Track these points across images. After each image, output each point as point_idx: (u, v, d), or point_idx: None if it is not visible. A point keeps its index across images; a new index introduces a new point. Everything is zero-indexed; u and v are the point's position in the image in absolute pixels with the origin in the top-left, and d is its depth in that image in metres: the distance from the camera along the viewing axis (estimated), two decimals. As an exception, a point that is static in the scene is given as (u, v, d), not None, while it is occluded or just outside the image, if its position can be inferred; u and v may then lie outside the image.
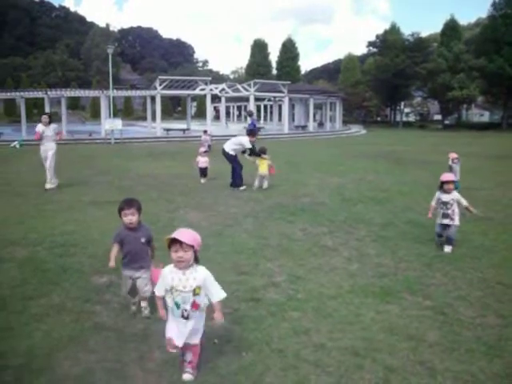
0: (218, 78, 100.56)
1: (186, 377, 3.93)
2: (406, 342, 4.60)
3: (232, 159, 14.04)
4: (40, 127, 13.83)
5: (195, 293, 3.81)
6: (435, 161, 22.41)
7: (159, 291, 3.98)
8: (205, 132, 27.14)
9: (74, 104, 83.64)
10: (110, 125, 35.54)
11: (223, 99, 48.70)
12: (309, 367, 4.14)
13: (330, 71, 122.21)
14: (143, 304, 5.20)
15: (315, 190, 13.53)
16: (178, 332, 3.90)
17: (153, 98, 45.59)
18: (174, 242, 3.72)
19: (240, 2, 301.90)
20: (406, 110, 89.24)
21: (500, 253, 7.53)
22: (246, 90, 46.64)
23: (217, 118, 69.25)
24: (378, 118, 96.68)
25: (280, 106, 56.31)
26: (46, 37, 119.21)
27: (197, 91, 46.06)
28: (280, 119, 55.91)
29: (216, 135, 31.06)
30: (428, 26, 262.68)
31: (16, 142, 31.92)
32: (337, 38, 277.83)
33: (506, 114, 66.92)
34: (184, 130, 43.60)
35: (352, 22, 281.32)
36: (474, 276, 6.42)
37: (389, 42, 75.00)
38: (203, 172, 15.06)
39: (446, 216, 7.70)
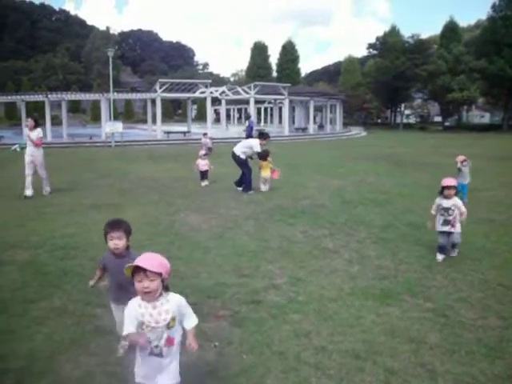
0: (218, 80, 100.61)
1: None
2: (407, 344, 4.60)
3: (241, 162, 13.87)
4: (26, 131, 13.42)
5: (169, 326, 3.23)
6: (436, 163, 22.43)
7: (128, 329, 3.20)
8: (204, 135, 27.17)
9: (75, 107, 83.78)
10: (111, 128, 35.56)
11: (223, 102, 48.68)
12: (309, 370, 4.14)
13: (331, 73, 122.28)
14: None
15: (315, 193, 13.54)
16: (151, 373, 3.29)
17: (153, 101, 45.61)
18: (138, 269, 3.08)
19: (240, 5, 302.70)
20: (407, 111, 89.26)
21: (502, 255, 7.52)
22: (246, 93, 46.67)
23: (217, 120, 69.24)
24: (379, 120, 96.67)
25: (280, 109, 56.31)
26: (47, 40, 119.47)
27: (197, 94, 46.06)
28: (280, 121, 55.90)
29: (216, 138, 31.08)
30: (428, 27, 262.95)
31: (17, 146, 31.91)
32: (337, 40, 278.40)
33: (506, 115, 66.94)
34: (184, 133, 43.63)
35: (352, 24, 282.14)
36: (474, 278, 6.42)
37: (389, 44, 75.11)
38: (203, 175, 14.98)
39: (446, 223, 7.20)
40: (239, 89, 48.50)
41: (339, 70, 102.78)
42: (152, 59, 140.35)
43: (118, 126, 35.91)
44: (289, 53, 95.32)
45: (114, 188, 14.38)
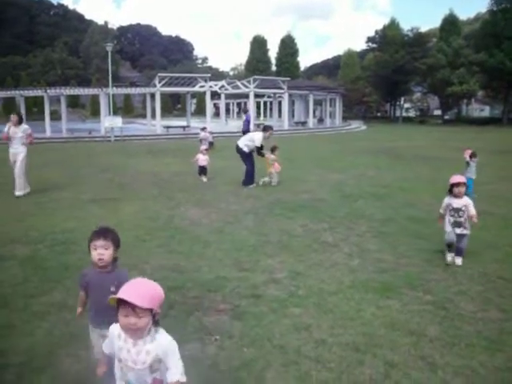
0: (217, 74, 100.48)
1: None
2: (407, 337, 4.61)
3: (245, 156, 13.80)
4: (7, 127, 12.45)
5: (153, 369, 2.61)
6: (436, 156, 22.46)
7: (107, 349, 2.86)
8: (203, 129, 27.13)
9: (74, 102, 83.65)
10: (110, 122, 35.52)
11: (223, 96, 48.60)
12: (310, 363, 4.14)
13: (330, 67, 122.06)
14: None
15: (315, 186, 13.53)
16: None
17: (152, 96, 45.55)
18: (124, 302, 2.42)
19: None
20: (406, 105, 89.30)
21: (502, 248, 7.52)
22: (246, 87, 46.60)
23: (216, 114, 69.17)
24: (378, 114, 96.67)
25: (280, 103, 56.25)
26: (45, 35, 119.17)
27: (196, 88, 45.95)
28: (280, 115, 55.87)
29: (215, 132, 31.02)
30: (427, 21, 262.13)
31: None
32: (336, 34, 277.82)
33: (506, 108, 66.87)
34: (184, 127, 43.58)
35: (351, 18, 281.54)
36: (474, 271, 6.42)
37: (388, 38, 75.00)
38: (202, 170, 14.89)
39: (458, 225, 6.74)
40: (238, 83, 48.42)
41: (338, 63, 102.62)
42: (151, 53, 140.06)
43: (118, 121, 35.86)
44: (288, 46, 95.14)
45: (114, 182, 14.38)
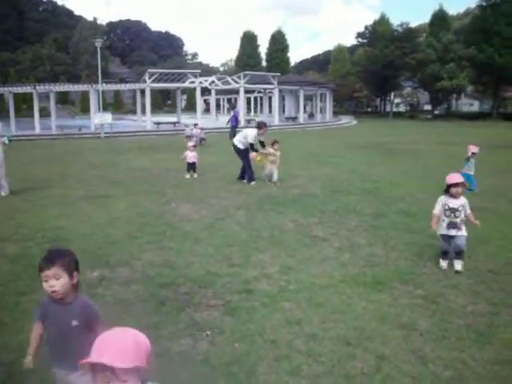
0: (207, 70, 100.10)
1: None
2: (398, 330, 4.64)
3: (239, 152, 13.68)
4: None
5: None
6: (426, 151, 22.58)
7: None
8: (195, 125, 27.19)
9: (63, 98, 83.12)
10: (100, 119, 35.41)
11: (213, 92, 48.56)
12: (301, 357, 4.16)
13: (320, 62, 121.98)
14: None
15: (306, 181, 13.55)
16: None
17: (142, 92, 45.40)
18: (99, 365, 1.76)
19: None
20: (396, 100, 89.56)
21: (493, 242, 7.56)
22: (236, 83, 46.60)
23: (207, 110, 69.07)
24: (369, 109, 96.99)
25: (270, 98, 56.21)
26: (34, 31, 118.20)
27: (186, 84, 45.86)
28: (270, 111, 55.83)
29: (206, 128, 30.97)
30: (417, 16, 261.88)
31: (4, 138, 31.66)
32: (326, 29, 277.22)
33: (495, 103, 67.37)
34: (174, 124, 43.48)
35: (341, 13, 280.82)
36: (465, 265, 6.45)
37: (378, 33, 75.31)
38: (191, 167, 14.67)
39: (453, 226, 6.27)
40: (229, 78, 48.42)
41: (329, 59, 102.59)
42: (141, 49, 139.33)
43: (107, 117, 35.77)
44: (278, 42, 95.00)
45: (104, 179, 14.33)
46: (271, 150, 13.65)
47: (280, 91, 51.84)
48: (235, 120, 27.03)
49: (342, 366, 4.03)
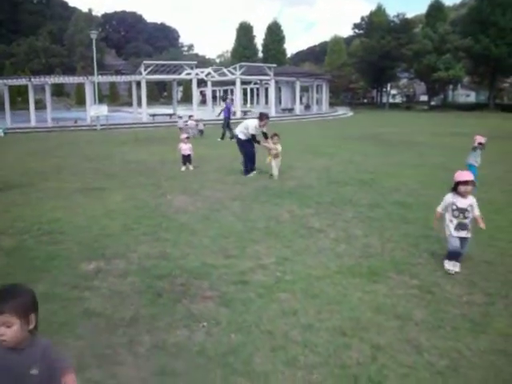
0: (203, 62, 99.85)
1: None
2: (393, 320, 4.65)
3: (240, 143, 13.53)
4: None
5: None
6: (422, 142, 22.59)
7: None
8: (190, 117, 27.17)
9: (59, 91, 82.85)
10: (96, 111, 35.31)
11: (209, 83, 48.44)
12: (297, 347, 4.17)
13: (316, 53, 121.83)
14: None
15: (302, 172, 13.55)
16: None
17: (138, 84, 45.26)
18: None
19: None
20: (393, 91, 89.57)
21: (487, 232, 7.51)
22: (232, 74, 46.45)
23: (203, 102, 68.92)
24: (365, 100, 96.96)
25: (266, 89, 56.16)
26: (29, 23, 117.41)
27: (182, 76, 45.74)
28: (266, 102, 55.82)
29: (202, 120, 30.89)
30: (413, 7, 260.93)
31: (0, 130, 31.59)
32: (322, 20, 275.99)
33: (492, 94, 67.40)
34: (170, 115, 43.40)
35: (337, 3, 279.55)
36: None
37: (374, 24, 75.17)
38: (187, 159, 14.49)
39: (463, 227, 5.90)
40: (225, 70, 48.28)
41: (325, 50, 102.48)
42: (136, 41, 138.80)
43: (103, 109, 35.66)
44: (274, 33, 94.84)
45: (100, 171, 14.29)
46: (271, 145, 13.17)
47: (276, 82, 51.74)
48: (228, 111, 26.88)
49: (338, 356, 4.04)
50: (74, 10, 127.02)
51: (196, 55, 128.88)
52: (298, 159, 16.34)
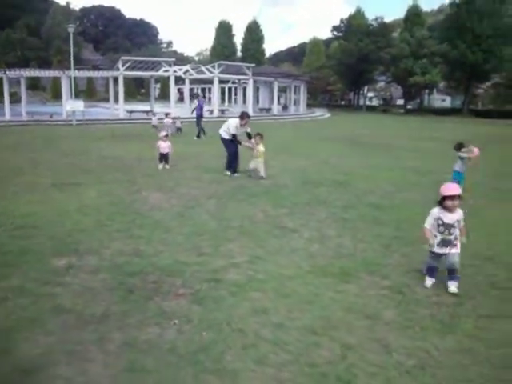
0: (182, 59, 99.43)
1: None
2: (364, 320, 4.71)
3: (223, 141, 13.42)
4: None
5: None
6: (397, 145, 22.83)
7: None
8: (167, 115, 27.02)
9: (34, 84, 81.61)
10: (72, 106, 34.90)
11: (187, 81, 48.31)
12: (268, 346, 4.20)
13: (295, 55, 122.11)
14: None
15: (278, 173, 13.59)
16: None
17: (115, 79, 44.86)
18: None
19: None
20: (370, 94, 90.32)
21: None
22: (210, 72, 46.34)
23: (181, 99, 68.67)
24: (342, 102, 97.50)
25: (244, 89, 56.10)
26: (6, 16, 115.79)
27: (160, 73, 45.49)
28: (244, 102, 55.72)
29: (179, 118, 30.75)
30: (392, 11, 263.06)
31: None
32: (302, 21, 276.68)
33: (467, 99, 68.39)
34: (147, 112, 43.12)
35: (317, 5, 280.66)
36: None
37: (353, 27, 75.64)
38: (164, 157, 14.21)
39: (446, 243, 5.57)
40: (203, 68, 48.12)
41: (304, 51, 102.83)
42: (115, 36, 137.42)
43: (79, 105, 35.27)
44: (254, 33, 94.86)
45: (76, 167, 14.15)
46: (254, 145, 13.08)
47: (254, 82, 51.78)
48: (200, 109, 26.64)
49: (308, 354, 4.08)
50: (52, 2, 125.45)
51: (175, 52, 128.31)
52: (274, 159, 16.36)
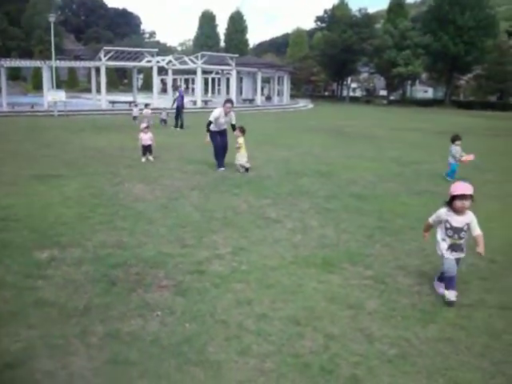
0: (165, 49, 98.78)
1: None
2: (347, 310, 4.74)
3: (210, 134, 12.89)
4: None
5: None
6: (380, 136, 22.93)
7: None
8: (146, 106, 26.82)
9: (15, 75, 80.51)
10: (53, 96, 34.49)
11: (170, 71, 48.00)
12: (251, 337, 4.21)
13: (279, 45, 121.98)
14: None
15: (261, 163, 13.60)
16: None
17: (97, 70, 44.50)
18: None
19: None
20: (353, 85, 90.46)
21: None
22: (194, 63, 46.13)
23: (164, 90, 68.23)
24: (326, 93, 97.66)
25: (228, 79, 55.95)
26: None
27: (143, 63, 45.19)
28: (228, 92, 55.56)
29: (160, 108, 30.57)
30: (375, 2, 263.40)
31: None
32: (285, 12, 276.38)
33: (448, 90, 68.93)
34: (130, 103, 42.81)
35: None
36: (412, 246, 6.64)
37: (337, 18, 75.71)
38: (147, 149, 13.89)
39: (456, 248, 5.09)
40: (186, 58, 47.89)
41: (287, 42, 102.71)
42: (97, 26, 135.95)
43: (61, 95, 34.87)
44: (237, 23, 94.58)
45: (57, 158, 14.01)
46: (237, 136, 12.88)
47: (238, 73, 51.70)
48: (181, 99, 26.27)
49: (291, 345, 4.09)
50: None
51: (158, 42, 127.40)
52: (258, 150, 16.33)
